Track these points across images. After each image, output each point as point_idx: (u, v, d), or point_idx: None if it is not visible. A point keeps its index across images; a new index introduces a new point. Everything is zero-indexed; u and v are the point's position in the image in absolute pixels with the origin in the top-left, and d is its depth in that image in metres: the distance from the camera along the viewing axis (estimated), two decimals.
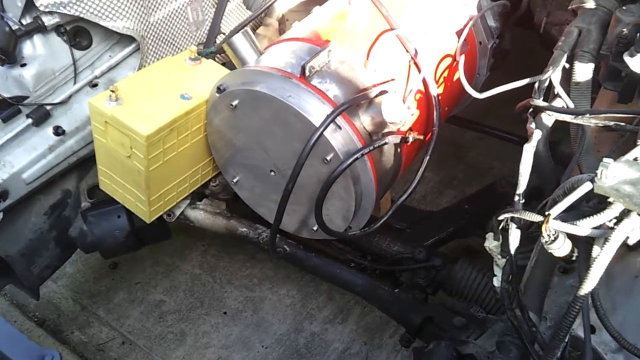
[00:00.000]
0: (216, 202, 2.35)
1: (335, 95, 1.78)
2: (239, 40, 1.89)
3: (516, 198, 1.33)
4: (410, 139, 1.83)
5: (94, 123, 1.97)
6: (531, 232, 1.41)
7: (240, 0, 2.42)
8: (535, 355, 1.21)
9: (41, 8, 1.92)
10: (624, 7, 1.53)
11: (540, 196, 2.22)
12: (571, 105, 1.56)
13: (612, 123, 1.37)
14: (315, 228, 1.96)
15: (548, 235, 1.13)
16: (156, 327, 2.76)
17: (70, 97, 2.10)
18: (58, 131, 2.04)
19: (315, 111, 1.73)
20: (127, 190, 2.08)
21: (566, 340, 1.13)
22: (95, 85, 2.16)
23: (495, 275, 1.44)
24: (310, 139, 1.68)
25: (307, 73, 1.74)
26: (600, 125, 1.40)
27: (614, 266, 1.21)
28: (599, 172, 1.12)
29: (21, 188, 2.01)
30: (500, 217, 1.29)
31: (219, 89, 1.90)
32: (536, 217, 1.16)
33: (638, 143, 1.20)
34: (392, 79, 1.84)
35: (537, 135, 1.35)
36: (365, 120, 1.77)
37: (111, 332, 2.73)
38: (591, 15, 1.64)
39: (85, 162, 2.21)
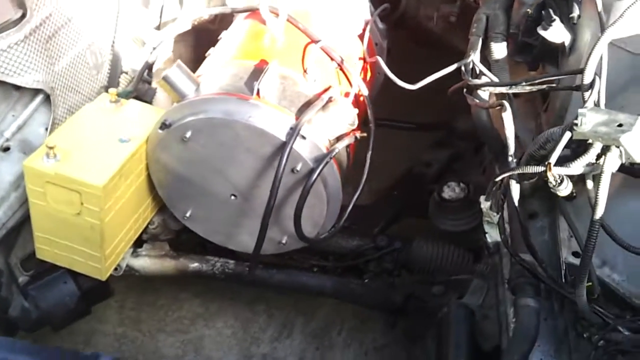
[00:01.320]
0: (158, 244, 2.27)
1: (289, 109, 1.86)
2: (174, 74, 1.87)
3: (510, 159, 1.54)
4: (358, 137, 1.97)
5: (30, 186, 1.81)
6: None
7: (134, 37, 2.36)
8: (558, 284, 1.44)
9: None
10: None
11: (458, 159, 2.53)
12: (495, 79, 1.82)
13: (545, 87, 1.66)
14: (284, 241, 2.01)
15: (555, 180, 1.36)
16: None
17: None
18: None
19: (279, 127, 1.79)
20: (75, 252, 1.93)
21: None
22: (7, 149, 1.97)
23: (486, 233, 1.65)
24: (283, 153, 1.74)
25: (261, 92, 1.80)
26: (534, 90, 1.69)
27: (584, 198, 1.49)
28: (578, 120, 1.37)
29: None
30: (499, 178, 1.49)
31: (164, 125, 1.86)
32: (539, 169, 1.38)
33: (586, 99, 1.47)
34: (330, 86, 1.96)
35: (507, 104, 1.59)
36: (320, 127, 1.87)
37: None
38: (494, 2, 1.93)
39: (7, 235, 2.00)
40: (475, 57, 1.85)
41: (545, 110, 1.92)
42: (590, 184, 1.39)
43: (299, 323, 2.83)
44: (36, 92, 2.03)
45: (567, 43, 1.72)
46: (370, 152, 2.08)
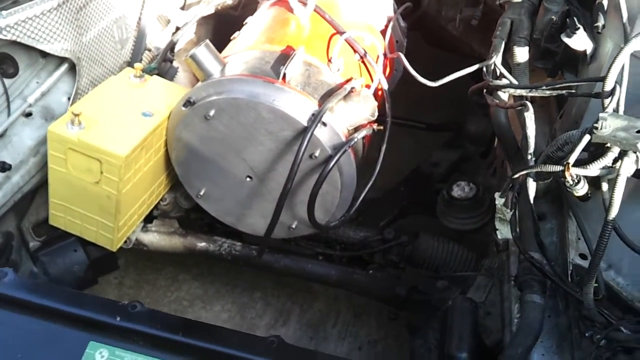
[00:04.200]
0: (168, 221, 2.29)
1: (313, 96, 1.89)
2: (201, 52, 1.90)
3: (529, 157, 1.58)
4: (375, 130, 2.01)
5: (52, 152, 1.84)
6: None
7: (159, 15, 2.39)
8: (566, 282, 1.48)
9: None
10: None
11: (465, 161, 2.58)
12: (515, 82, 1.86)
13: (565, 92, 1.70)
14: (293, 226, 2.04)
15: (572, 179, 1.40)
16: None
17: (6, 129, 1.91)
18: (4, 167, 1.85)
19: (302, 112, 1.82)
20: (88, 220, 1.96)
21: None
22: (29, 114, 2.00)
23: (497, 230, 1.69)
24: (304, 138, 1.77)
25: (287, 77, 1.83)
26: (554, 95, 1.73)
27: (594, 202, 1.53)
28: (598, 124, 1.41)
29: None
30: (517, 175, 1.53)
31: (189, 102, 1.89)
32: (557, 168, 1.42)
33: (606, 105, 1.51)
34: (352, 77, 2.00)
35: (529, 105, 1.63)
36: (341, 116, 1.90)
37: None
38: (519, 7, 1.97)
39: (22, 199, 2.02)
40: (497, 59, 1.89)
41: (561, 117, 1.96)
42: (605, 186, 1.43)
43: (296, 312, 2.86)
44: (61, 61, 2.06)
45: (589, 51, 1.76)
46: (384, 145, 2.11)
